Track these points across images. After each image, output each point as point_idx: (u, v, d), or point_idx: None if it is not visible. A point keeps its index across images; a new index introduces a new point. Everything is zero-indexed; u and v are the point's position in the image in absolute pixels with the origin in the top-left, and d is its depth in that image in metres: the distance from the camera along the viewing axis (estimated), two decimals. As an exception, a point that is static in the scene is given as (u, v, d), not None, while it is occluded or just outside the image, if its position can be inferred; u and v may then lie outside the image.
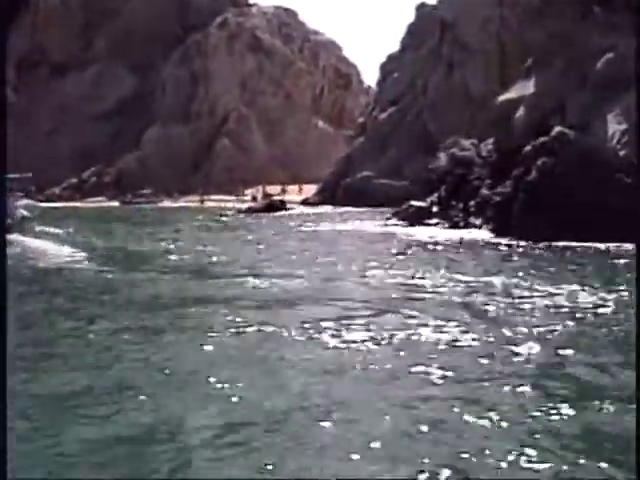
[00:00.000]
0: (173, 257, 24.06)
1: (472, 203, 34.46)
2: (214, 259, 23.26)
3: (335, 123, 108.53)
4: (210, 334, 11.14)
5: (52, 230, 36.64)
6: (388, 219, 39.82)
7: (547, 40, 35.43)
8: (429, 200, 37.75)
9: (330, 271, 19.18)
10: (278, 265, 20.78)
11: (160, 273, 19.79)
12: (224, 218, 49.86)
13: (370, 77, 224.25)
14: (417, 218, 36.26)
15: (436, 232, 32.31)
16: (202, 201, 77.63)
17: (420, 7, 75.99)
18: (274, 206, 57.10)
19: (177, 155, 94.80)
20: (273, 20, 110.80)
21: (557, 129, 30.60)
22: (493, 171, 35.01)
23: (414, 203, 37.99)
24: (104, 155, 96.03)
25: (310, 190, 79.50)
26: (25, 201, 40.76)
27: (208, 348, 10.30)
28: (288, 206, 59.53)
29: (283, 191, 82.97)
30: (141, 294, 15.80)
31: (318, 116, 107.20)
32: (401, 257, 22.86)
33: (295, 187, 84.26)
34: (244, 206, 63.89)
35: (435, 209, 36.71)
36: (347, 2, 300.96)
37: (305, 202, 70.66)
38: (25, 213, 39.65)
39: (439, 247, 26.47)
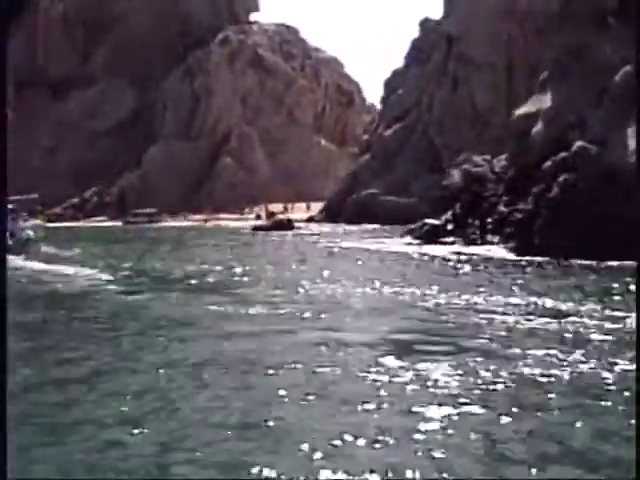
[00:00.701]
0: (196, 278, 22.96)
1: (489, 220, 33.65)
2: (245, 279, 22.25)
3: (337, 141, 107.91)
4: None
5: (61, 252, 35.59)
6: (401, 237, 38.99)
7: (563, 53, 34.71)
8: (443, 218, 36.90)
9: (379, 292, 18.41)
10: (316, 285, 19.80)
11: (187, 293, 18.89)
12: (235, 236, 49.09)
13: (371, 95, 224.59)
14: (432, 236, 35.44)
15: (457, 250, 31.44)
16: (205, 220, 76.52)
17: (424, 22, 75.36)
18: (282, 224, 56.41)
19: (179, 173, 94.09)
20: (274, 37, 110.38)
21: (578, 144, 29.81)
22: (509, 187, 34.22)
23: (428, 221, 37.17)
24: (104, 172, 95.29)
25: (315, 208, 78.80)
26: (31, 222, 40.25)
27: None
28: (295, 224, 58.79)
29: (286, 209, 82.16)
30: (179, 320, 14.81)
31: (320, 134, 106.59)
32: (437, 277, 22.02)
33: (300, 205, 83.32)
34: (249, 224, 63.16)
35: (450, 227, 35.87)
36: (346, 20, 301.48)
37: (310, 220, 69.88)
38: (30, 234, 39.02)
39: (467, 266, 25.58)
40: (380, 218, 61.44)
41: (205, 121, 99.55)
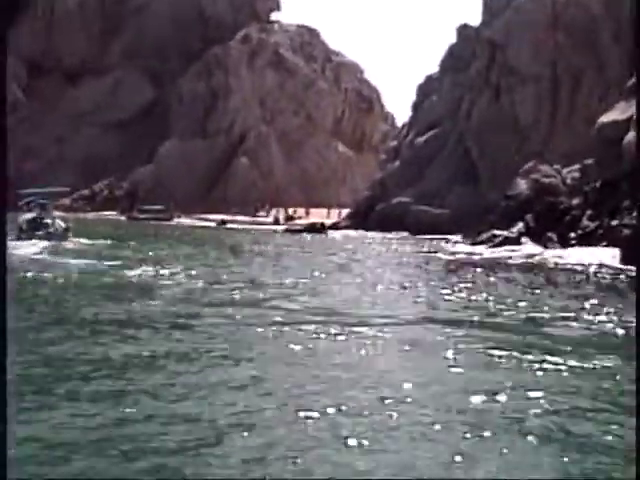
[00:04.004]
0: (307, 296, 18.89)
1: (572, 235, 30.80)
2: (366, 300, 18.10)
3: (355, 147, 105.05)
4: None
5: (115, 249, 32.22)
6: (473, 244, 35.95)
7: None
8: (515, 230, 34.02)
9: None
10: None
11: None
12: (279, 240, 46.09)
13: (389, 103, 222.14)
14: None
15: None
16: (223, 222, 72.31)
17: (462, 28, 72.43)
18: (315, 228, 53.97)
19: (192, 171, 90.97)
20: (295, 38, 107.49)
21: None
22: (594, 200, 31.45)
23: (497, 232, 34.30)
24: (116, 165, 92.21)
25: (333, 214, 75.78)
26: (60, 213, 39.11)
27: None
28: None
29: (307, 214, 79.07)
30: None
31: (338, 139, 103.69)
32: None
33: (320, 211, 79.93)
34: (271, 227, 60.47)
35: (524, 239, 33.02)
36: (364, 25, 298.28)
37: (335, 226, 66.76)
38: (63, 225, 36.87)
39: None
40: (411, 227, 58.87)
41: (222, 119, 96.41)
